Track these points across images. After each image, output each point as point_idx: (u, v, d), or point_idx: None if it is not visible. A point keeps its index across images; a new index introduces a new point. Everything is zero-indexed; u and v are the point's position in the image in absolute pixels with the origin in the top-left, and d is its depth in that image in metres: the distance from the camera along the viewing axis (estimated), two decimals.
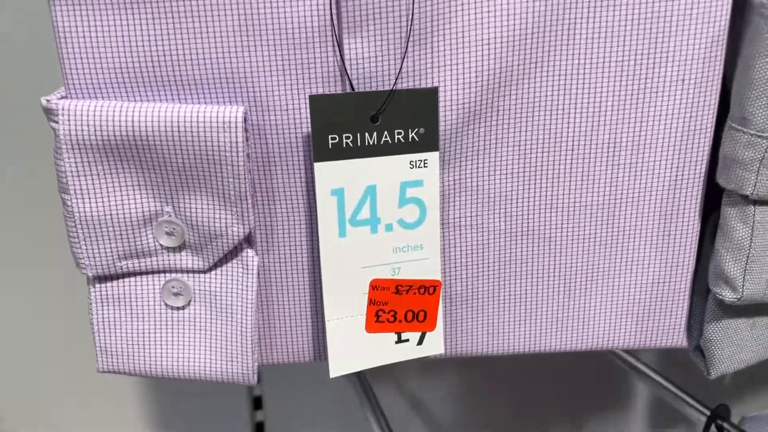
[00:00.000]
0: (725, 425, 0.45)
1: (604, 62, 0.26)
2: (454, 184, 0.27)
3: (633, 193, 0.28)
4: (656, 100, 0.27)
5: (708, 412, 0.46)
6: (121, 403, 0.66)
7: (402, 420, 0.74)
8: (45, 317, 0.60)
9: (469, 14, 0.25)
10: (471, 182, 0.27)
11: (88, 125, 0.25)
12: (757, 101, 0.25)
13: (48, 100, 0.25)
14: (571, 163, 0.27)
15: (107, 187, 0.26)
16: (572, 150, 0.27)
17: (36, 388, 0.64)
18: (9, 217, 0.56)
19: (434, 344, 0.28)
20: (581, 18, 0.25)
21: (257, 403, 0.73)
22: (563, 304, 0.29)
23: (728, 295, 0.27)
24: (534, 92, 0.26)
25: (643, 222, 0.28)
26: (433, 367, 0.71)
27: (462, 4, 0.24)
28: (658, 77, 0.26)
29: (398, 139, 0.25)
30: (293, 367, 0.52)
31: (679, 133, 0.27)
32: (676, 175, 0.28)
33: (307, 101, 0.25)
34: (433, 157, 0.26)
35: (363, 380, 0.51)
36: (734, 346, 0.29)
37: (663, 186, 0.28)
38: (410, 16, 0.24)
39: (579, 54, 0.26)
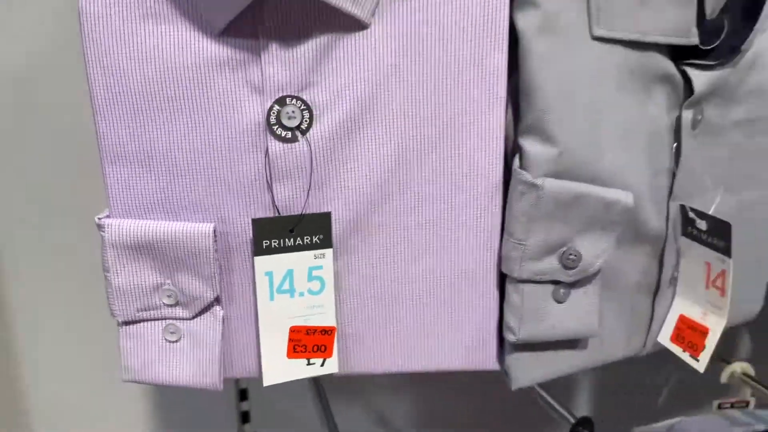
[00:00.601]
0: None
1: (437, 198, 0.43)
2: (343, 267, 0.44)
3: (459, 253, 0.45)
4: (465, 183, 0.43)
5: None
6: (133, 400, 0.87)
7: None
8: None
9: (344, 169, 0.42)
10: (352, 266, 0.44)
11: (121, 235, 0.42)
12: (514, 220, 0.42)
13: (99, 218, 0.43)
14: (416, 250, 0.45)
15: (132, 270, 0.43)
16: (415, 241, 0.44)
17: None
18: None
19: (331, 366, 0.45)
20: (428, 147, 0.42)
21: (243, 394, 0.92)
22: (415, 339, 0.46)
23: (511, 338, 0.45)
24: (392, 212, 0.44)
25: (465, 281, 0.45)
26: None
27: (339, 162, 0.42)
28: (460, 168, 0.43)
29: (306, 241, 0.43)
30: None
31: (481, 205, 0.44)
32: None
33: (250, 223, 0.42)
34: (329, 252, 0.43)
35: (319, 387, 0.68)
36: (523, 369, 0.46)
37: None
38: (311, 173, 0.41)
39: (424, 176, 0.43)
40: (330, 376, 0.46)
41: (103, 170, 0.42)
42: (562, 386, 1.05)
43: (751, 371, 0.78)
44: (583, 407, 1.10)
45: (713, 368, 0.79)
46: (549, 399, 0.65)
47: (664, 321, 0.51)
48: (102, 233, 0.42)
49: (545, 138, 0.42)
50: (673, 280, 0.50)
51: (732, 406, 0.79)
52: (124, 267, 0.43)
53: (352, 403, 0.99)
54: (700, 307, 0.48)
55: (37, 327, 0.86)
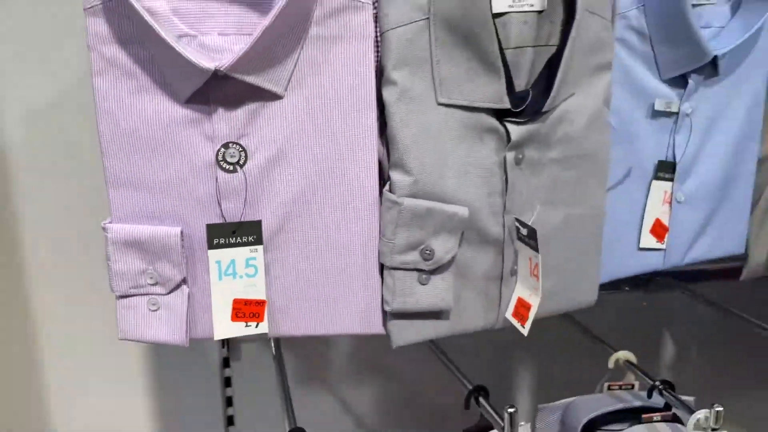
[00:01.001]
0: (482, 401, 0.79)
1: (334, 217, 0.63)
2: (272, 258, 0.64)
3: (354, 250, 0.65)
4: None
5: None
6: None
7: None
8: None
9: (269, 191, 0.62)
10: (278, 258, 0.64)
11: (118, 235, 0.62)
12: (385, 226, 0.62)
13: (103, 223, 0.63)
14: (322, 247, 0.65)
15: (126, 259, 0.63)
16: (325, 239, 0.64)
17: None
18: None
19: (263, 328, 0.64)
20: (326, 176, 0.62)
21: (227, 381, 1.13)
22: (324, 310, 0.66)
23: (387, 308, 0.64)
24: (304, 220, 0.64)
25: (357, 268, 0.65)
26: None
27: (266, 186, 0.62)
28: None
29: (244, 240, 0.63)
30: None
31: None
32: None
33: (205, 227, 0.62)
34: (260, 248, 0.63)
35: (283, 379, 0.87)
36: (399, 332, 0.66)
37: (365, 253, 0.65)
38: (245, 194, 0.62)
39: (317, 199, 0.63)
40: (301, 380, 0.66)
41: (108, 191, 0.62)
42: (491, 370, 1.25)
43: (633, 359, 0.96)
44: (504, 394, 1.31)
45: (605, 356, 0.99)
46: (452, 368, 0.84)
47: (509, 302, 0.70)
48: (105, 234, 0.63)
49: (404, 171, 0.62)
50: (514, 272, 0.69)
51: (620, 387, 0.98)
52: (120, 257, 0.63)
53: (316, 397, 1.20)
54: (528, 290, 0.68)
55: (59, 329, 1.08)
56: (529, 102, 0.63)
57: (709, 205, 0.86)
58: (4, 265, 1.05)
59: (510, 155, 0.65)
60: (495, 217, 0.66)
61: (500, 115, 0.64)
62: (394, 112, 0.61)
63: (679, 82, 0.79)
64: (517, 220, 0.66)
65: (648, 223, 0.83)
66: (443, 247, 0.64)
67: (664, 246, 0.84)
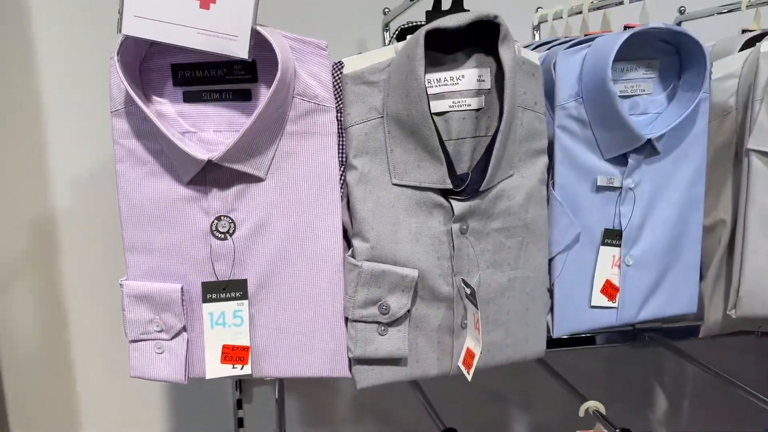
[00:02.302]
0: None
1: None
2: (256, 311, 0.78)
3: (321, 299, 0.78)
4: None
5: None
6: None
7: None
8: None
9: (254, 255, 0.76)
10: (261, 310, 0.77)
11: (132, 290, 0.76)
12: (347, 285, 0.75)
13: (120, 281, 0.77)
14: (298, 301, 0.78)
15: (137, 310, 0.77)
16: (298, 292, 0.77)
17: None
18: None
19: (247, 370, 0.77)
20: (300, 243, 0.76)
21: (240, 422, 1.26)
22: (301, 355, 0.79)
23: (350, 355, 0.77)
24: (283, 279, 0.77)
25: (327, 319, 0.78)
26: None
27: (251, 251, 0.76)
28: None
29: (232, 295, 0.76)
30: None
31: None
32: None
33: (201, 285, 0.76)
34: (245, 302, 0.77)
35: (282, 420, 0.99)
36: (363, 375, 0.78)
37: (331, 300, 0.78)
38: (233, 257, 0.76)
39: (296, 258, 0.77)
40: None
41: (125, 255, 0.77)
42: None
43: (602, 409, 1.05)
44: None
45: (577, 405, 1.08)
46: (426, 407, 0.94)
47: (460, 351, 0.81)
48: (122, 289, 0.77)
49: (363, 239, 0.75)
50: (464, 325, 0.81)
51: None
52: (132, 308, 0.77)
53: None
54: (473, 341, 0.79)
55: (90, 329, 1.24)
56: (468, 183, 0.76)
57: (658, 267, 0.96)
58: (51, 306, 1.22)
59: (455, 226, 0.77)
60: (445, 278, 0.79)
61: (446, 193, 0.77)
62: (355, 192, 0.74)
63: (621, 160, 0.91)
64: (463, 281, 0.78)
65: (598, 284, 0.93)
66: (398, 303, 0.76)
67: (615, 304, 0.94)
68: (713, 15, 1.20)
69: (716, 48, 1.06)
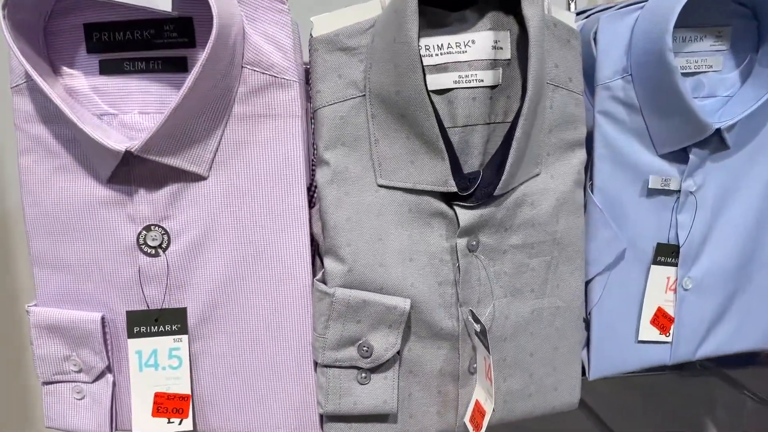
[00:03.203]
0: None
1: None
2: (199, 349, 0.60)
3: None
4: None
5: None
6: None
7: None
8: None
9: (195, 276, 0.58)
10: (205, 349, 0.59)
11: (40, 319, 0.59)
12: (316, 319, 0.57)
13: (27, 306, 0.60)
14: (252, 338, 0.59)
15: (49, 344, 0.60)
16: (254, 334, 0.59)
17: None
18: None
19: (187, 425, 0.59)
20: (253, 262, 0.58)
21: None
22: (257, 407, 0.60)
23: (320, 410, 0.58)
24: (231, 309, 0.59)
25: (289, 364, 0.59)
26: None
27: (191, 271, 0.58)
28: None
29: (167, 328, 0.58)
30: None
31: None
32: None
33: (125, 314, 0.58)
34: (185, 337, 0.59)
35: None
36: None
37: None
38: (167, 279, 0.58)
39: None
40: None
41: (33, 273, 0.60)
42: None
43: None
44: None
45: None
46: None
47: (468, 403, 0.62)
48: (28, 317, 0.60)
49: (337, 258, 0.56)
50: (473, 369, 0.62)
51: None
52: (43, 342, 0.60)
53: None
54: (484, 393, 0.60)
55: None
56: (478, 185, 0.57)
57: (725, 291, 0.75)
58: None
59: (461, 242, 0.58)
60: (447, 309, 0.60)
61: (449, 197, 0.58)
62: (326, 195, 0.56)
63: (681, 156, 0.70)
64: (471, 313, 0.59)
65: (648, 314, 0.73)
66: (383, 343, 0.57)
67: (669, 339, 0.74)
68: None
69: None
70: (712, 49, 0.71)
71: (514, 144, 0.55)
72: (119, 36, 0.55)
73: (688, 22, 0.69)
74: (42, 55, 0.55)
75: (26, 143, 0.57)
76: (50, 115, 0.56)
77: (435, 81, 0.57)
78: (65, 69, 0.56)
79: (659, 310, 0.74)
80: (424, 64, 0.54)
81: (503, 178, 0.56)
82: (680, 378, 1.27)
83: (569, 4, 1.03)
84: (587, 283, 0.70)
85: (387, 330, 0.57)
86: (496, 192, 0.57)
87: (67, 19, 0.55)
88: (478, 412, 0.60)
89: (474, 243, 0.59)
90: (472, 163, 0.59)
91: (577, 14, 0.82)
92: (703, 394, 1.31)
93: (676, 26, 0.63)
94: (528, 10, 0.54)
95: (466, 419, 0.62)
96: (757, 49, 0.72)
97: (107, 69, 0.55)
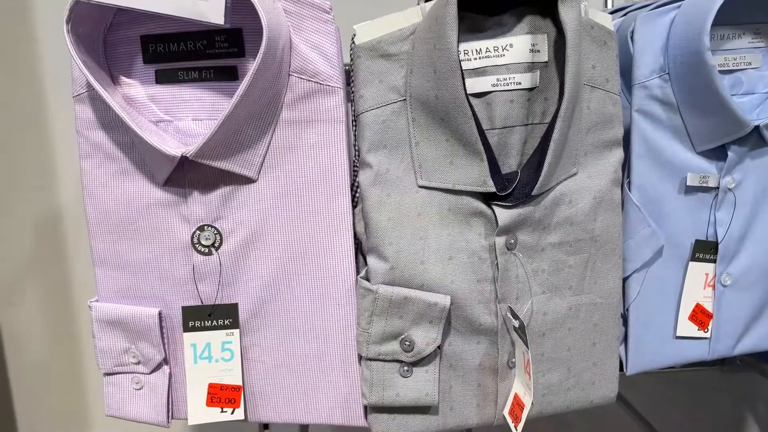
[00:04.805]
0: None
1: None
2: (249, 342, 0.63)
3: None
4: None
5: None
6: None
7: None
8: None
9: (245, 273, 0.61)
10: (256, 342, 0.63)
11: (102, 314, 0.63)
12: (360, 315, 0.59)
13: (89, 302, 0.64)
14: (300, 332, 0.62)
15: (110, 337, 0.64)
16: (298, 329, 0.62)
17: None
18: None
19: (239, 414, 0.63)
20: (301, 260, 0.61)
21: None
22: (305, 398, 0.63)
23: (364, 402, 0.61)
24: (281, 305, 0.62)
25: (335, 356, 0.62)
26: None
27: (242, 269, 0.61)
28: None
29: (220, 323, 0.61)
30: None
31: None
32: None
33: (181, 310, 0.62)
34: (236, 332, 0.62)
35: None
36: (381, 426, 0.62)
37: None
38: (220, 276, 0.61)
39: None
40: None
41: (94, 271, 0.63)
42: None
43: None
44: None
45: None
46: None
47: (507, 397, 0.64)
48: (91, 312, 0.64)
49: (380, 256, 0.59)
50: (513, 364, 0.64)
51: None
52: (104, 335, 0.64)
53: None
54: (523, 387, 0.62)
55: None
56: (516, 185, 0.58)
57: (765, 288, 0.76)
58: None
59: (500, 240, 0.60)
60: (486, 305, 0.62)
61: (488, 197, 0.59)
62: (369, 196, 0.58)
63: (719, 153, 0.71)
64: (510, 309, 0.61)
65: (686, 310, 0.74)
66: (424, 338, 0.60)
67: (708, 334, 0.75)
68: None
69: None
70: (751, 47, 0.72)
71: (552, 145, 0.57)
72: (173, 47, 0.58)
73: (726, 20, 0.69)
74: (102, 65, 0.58)
75: (87, 148, 0.61)
76: (110, 122, 0.59)
77: (474, 84, 0.59)
78: (123, 78, 0.59)
79: (697, 306, 0.74)
80: (463, 68, 0.56)
81: (541, 178, 0.58)
82: (721, 374, 1.26)
83: (606, 2, 1.04)
84: (625, 279, 0.71)
85: (428, 325, 0.59)
86: (534, 192, 0.58)
87: (125, 31, 0.58)
88: (517, 405, 0.62)
89: (512, 241, 0.60)
90: (510, 163, 0.61)
91: (614, 12, 0.83)
92: (744, 390, 1.30)
93: (714, 24, 0.64)
94: (565, 14, 0.55)
95: (506, 412, 0.64)
96: None
97: (163, 78, 0.59)
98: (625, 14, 0.77)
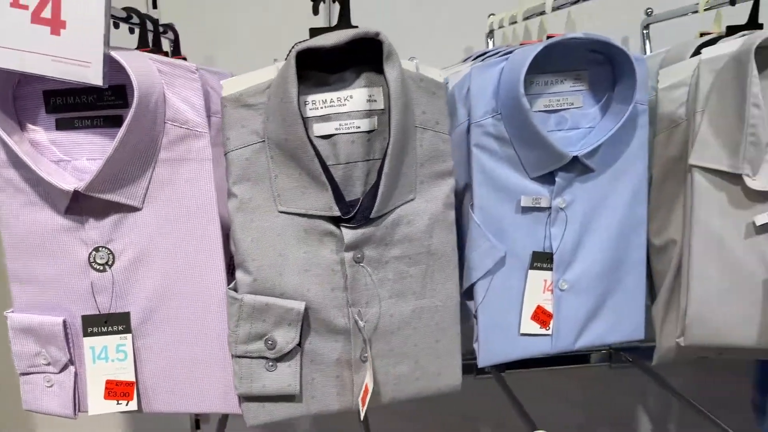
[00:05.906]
0: None
1: None
2: (141, 345, 0.74)
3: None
4: None
5: None
6: None
7: None
8: None
9: (135, 287, 0.73)
10: (146, 344, 0.74)
11: (16, 322, 0.74)
12: (229, 318, 0.71)
13: (5, 313, 0.75)
14: (183, 336, 0.74)
15: (23, 342, 0.75)
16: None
17: None
18: None
19: (132, 406, 0.74)
20: (181, 275, 0.73)
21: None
22: (190, 391, 0.75)
23: (236, 392, 0.73)
24: (165, 313, 0.74)
25: (212, 356, 0.74)
26: None
27: (131, 284, 0.73)
28: None
29: (114, 329, 0.73)
30: None
31: None
32: None
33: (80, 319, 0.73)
34: (129, 336, 0.73)
35: None
36: (253, 413, 0.74)
37: None
38: (112, 290, 0.72)
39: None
40: None
41: (10, 285, 0.75)
42: None
43: None
44: None
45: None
46: None
47: (361, 385, 0.77)
48: (7, 321, 0.75)
49: (245, 271, 0.71)
50: (364, 358, 0.76)
51: None
52: (18, 341, 0.75)
53: None
54: (369, 377, 0.74)
55: None
56: (358, 209, 0.71)
57: (597, 291, 0.89)
58: None
59: (348, 255, 0.73)
60: (340, 309, 0.74)
61: (337, 220, 0.72)
62: (236, 221, 0.71)
63: (549, 179, 0.84)
64: (359, 313, 0.73)
65: (528, 310, 0.87)
66: (285, 337, 0.72)
67: (549, 331, 0.88)
68: (679, 17, 1.12)
69: (670, 53, 0.98)
70: (573, 89, 0.85)
71: (383, 177, 0.70)
72: (70, 99, 0.70)
73: (550, 68, 0.83)
74: (11, 115, 0.70)
75: (1, 183, 0.72)
76: (18, 161, 0.71)
77: (321, 128, 0.72)
78: (30, 125, 0.71)
79: (539, 307, 0.88)
80: (312, 115, 0.69)
81: (377, 204, 0.70)
82: (609, 370, 1.39)
83: (487, 42, 1.18)
84: (472, 285, 0.84)
85: (287, 327, 0.72)
86: (372, 215, 0.71)
87: (30, 87, 0.70)
88: (365, 392, 0.74)
89: (359, 256, 0.73)
90: (356, 191, 0.73)
91: (477, 56, 0.96)
92: (635, 385, 1.44)
93: (540, 72, 0.78)
94: (388, 72, 0.68)
95: (360, 399, 0.76)
96: (613, 88, 0.86)
97: (62, 125, 0.71)
98: (483, 59, 0.91)
